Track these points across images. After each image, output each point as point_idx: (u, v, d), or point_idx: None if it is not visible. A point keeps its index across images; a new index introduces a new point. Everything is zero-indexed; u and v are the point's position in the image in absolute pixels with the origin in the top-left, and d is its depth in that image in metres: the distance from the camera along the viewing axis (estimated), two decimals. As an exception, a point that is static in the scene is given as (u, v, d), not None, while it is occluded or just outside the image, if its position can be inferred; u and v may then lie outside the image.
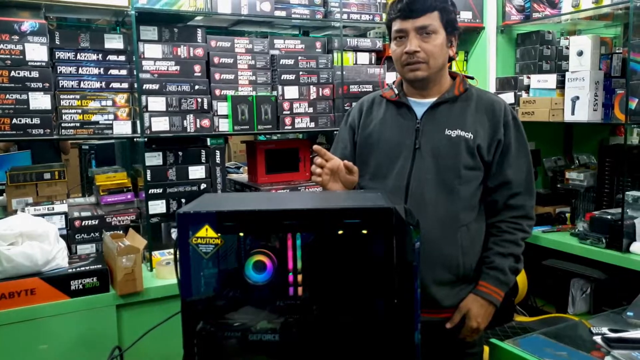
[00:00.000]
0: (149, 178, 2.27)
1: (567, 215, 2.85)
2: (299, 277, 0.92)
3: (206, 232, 0.91)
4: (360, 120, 1.64)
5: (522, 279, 2.42)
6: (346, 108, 2.57)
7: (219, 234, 0.91)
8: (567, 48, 2.84)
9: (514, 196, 1.54)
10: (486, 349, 1.99)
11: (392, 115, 1.58)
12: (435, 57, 1.49)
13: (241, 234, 0.92)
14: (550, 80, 2.72)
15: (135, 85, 2.18)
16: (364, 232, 0.90)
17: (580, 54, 2.57)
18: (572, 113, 2.59)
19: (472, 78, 1.65)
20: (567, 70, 2.64)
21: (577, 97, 2.56)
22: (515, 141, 1.55)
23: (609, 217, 2.39)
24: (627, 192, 2.35)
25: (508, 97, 2.90)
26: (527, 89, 2.85)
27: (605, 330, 1.36)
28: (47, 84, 2.07)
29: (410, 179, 1.51)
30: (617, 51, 2.77)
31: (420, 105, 1.55)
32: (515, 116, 1.58)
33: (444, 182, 1.50)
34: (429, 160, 1.51)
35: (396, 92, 1.59)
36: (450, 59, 1.57)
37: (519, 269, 1.56)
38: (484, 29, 2.95)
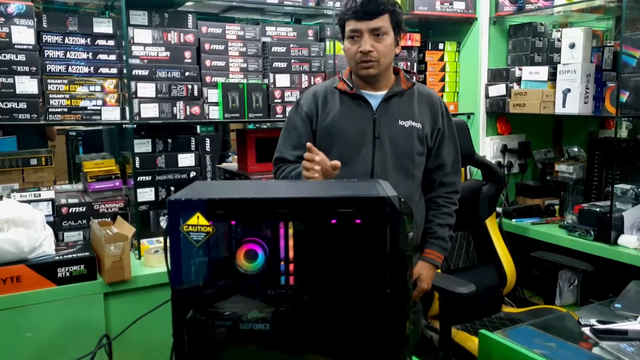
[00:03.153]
0: (137, 165, 2.24)
1: (556, 207, 2.87)
2: (291, 267, 0.91)
3: (197, 219, 0.89)
4: (317, 110, 1.74)
5: (510, 270, 2.44)
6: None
7: (211, 222, 0.89)
8: (559, 40, 2.85)
9: (447, 175, 1.82)
10: (475, 339, 2.01)
11: (349, 107, 1.72)
12: (385, 56, 1.65)
13: (232, 222, 0.90)
14: (542, 72, 2.72)
15: (125, 71, 2.15)
16: (357, 221, 0.89)
17: (572, 46, 2.57)
18: (563, 105, 2.60)
19: (413, 73, 1.79)
20: (559, 63, 2.65)
21: (569, 90, 2.57)
22: (448, 128, 1.80)
23: (597, 209, 2.40)
24: (615, 185, 2.36)
25: (499, 89, 2.90)
26: (518, 80, 2.86)
27: (593, 321, 1.37)
28: (34, 68, 2.03)
29: (374, 164, 1.69)
30: (608, 44, 2.78)
31: (373, 97, 1.71)
32: (447, 107, 1.84)
33: (402, 167, 1.71)
34: (388, 148, 1.69)
35: (350, 84, 1.71)
36: (396, 55, 1.73)
37: (453, 235, 1.90)
38: (477, 20, 2.95)
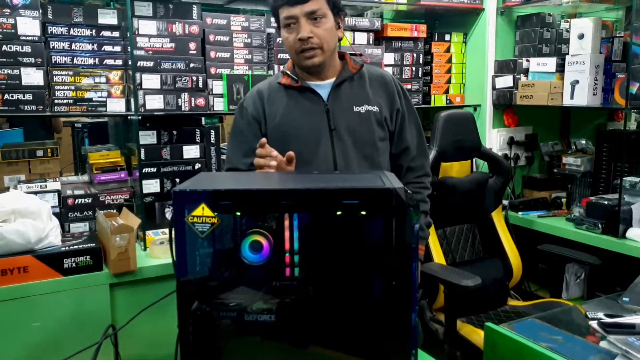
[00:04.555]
0: (142, 157, 2.24)
1: (563, 200, 2.85)
2: (296, 258, 0.91)
3: (202, 211, 0.89)
4: (264, 111, 1.60)
5: (516, 263, 2.43)
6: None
7: (216, 213, 0.89)
8: (568, 31, 2.81)
9: (413, 159, 1.69)
10: (480, 332, 2.01)
11: (297, 102, 1.58)
12: (328, 41, 1.52)
13: (238, 214, 0.90)
14: (550, 63, 2.70)
15: (130, 62, 2.14)
16: (363, 213, 0.89)
17: (581, 37, 2.54)
18: (571, 97, 2.57)
19: (360, 55, 1.67)
20: (567, 54, 2.62)
21: (577, 81, 2.54)
22: (408, 108, 1.67)
23: (605, 202, 2.39)
24: (624, 178, 2.34)
25: (507, 80, 2.88)
26: (526, 72, 2.83)
27: (600, 315, 1.36)
28: (40, 60, 2.03)
29: (336, 159, 1.56)
30: (618, 35, 2.75)
31: (321, 87, 1.59)
32: (401, 84, 1.69)
33: (365, 157, 1.58)
34: (346, 138, 1.57)
35: (295, 77, 1.59)
36: (339, 39, 1.60)
37: (430, 222, 1.75)
38: (484, 11, 2.91)
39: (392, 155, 1.68)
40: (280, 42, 2.44)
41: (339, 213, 0.89)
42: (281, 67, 1.67)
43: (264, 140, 1.38)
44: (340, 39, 1.60)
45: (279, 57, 2.44)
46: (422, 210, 1.70)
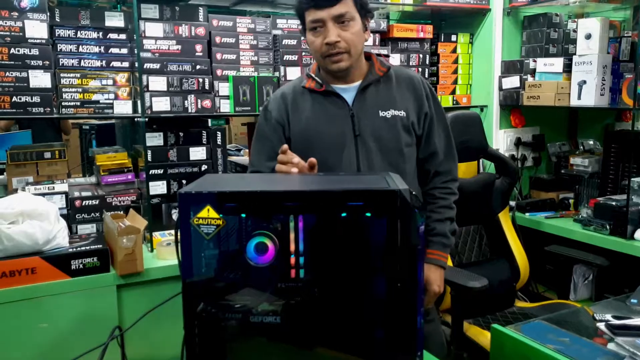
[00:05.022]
0: (149, 158, 2.25)
1: (571, 201, 2.83)
2: (301, 260, 0.91)
3: (207, 212, 0.89)
4: (288, 115, 1.57)
5: (523, 264, 2.42)
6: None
7: (221, 215, 0.89)
8: (575, 31, 2.80)
9: (441, 163, 1.64)
10: (487, 334, 2.00)
11: (321, 106, 1.55)
12: (355, 45, 1.47)
13: (243, 215, 0.90)
14: (557, 63, 2.68)
15: (136, 65, 2.15)
16: (368, 214, 0.89)
17: (588, 37, 2.53)
18: (579, 97, 2.56)
19: (387, 56, 1.64)
20: (574, 54, 2.61)
21: (584, 82, 2.53)
22: (436, 111, 1.62)
23: (613, 203, 2.37)
24: (632, 179, 2.32)
25: (513, 81, 2.86)
26: (533, 72, 2.82)
27: (608, 317, 1.35)
28: (47, 62, 2.04)
29: (360, 165, 1.52)
30: (626, 34, 2.73)
31: (346, 91, 1.54)
32: (431, 86, 1.64)
33: (391, 163, 1.53)
34: (371, 144, 1.52)
35: (320, 81, 1.55)
36: (365, 41, 1.56)
37: (456, 229, 1.68)
38: (490, 11, 2.91)
39: (419, 160, 1.63)
40: (285, 43, 2.44)
41: (343, 215, 0.89)
42: (307, 69, 1.62)
43: (285, 146, 1.34)
44: (366, 41, 1.56)
45: (284, 58, 2.44)
46: (447, 216, 1.64)
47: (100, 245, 1.96)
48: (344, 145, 1.52)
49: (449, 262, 2.27)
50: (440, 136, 1.63)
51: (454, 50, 2.99)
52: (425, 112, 1.59)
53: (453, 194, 1.67)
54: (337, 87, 1.54)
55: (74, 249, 1.91)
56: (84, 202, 2.20)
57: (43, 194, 2.08)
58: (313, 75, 1.57)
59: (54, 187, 2.16)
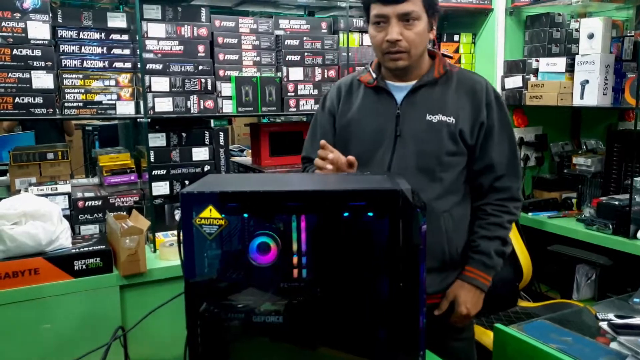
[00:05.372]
0: (152, 159, 2.25)
1: (574, 201, 2.82)
2: (304, 260, 0.91)
3: (210, 212, 0.89)
4: (339, 106, 1.57)
5: (526, 264, 2.41)
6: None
7: (223, 215, 0.89)
8: (577, 31, 2.79)
9: (499, 179, 1.51)
10: (490, 333, 1.99)
11: (371, 101, 1.53)
12: (417, 46, 1.43)
13: (245, 215, 0.90)
14: (560, 63, 2.68)
15: (139, 65, 2.15)
16: (370, 214, 0.89)
17: (591, 36, 2.52)
18: (581, 97, 2.55)
19: (450, 57, 1.60)
20: (577, 54, 2.60)
21: (587, 81, 2.52)
22: (498, 122, 1.50)
23: (616, 203, 2.36)
24: (635, 178, 2.32)
25: (516, 81, 2.86)
26: (535, 72, 2.81)
27: (611, 316, 1.35)
28: (50, 63, 2.05)
29: (391, 166, 1.48)
30: (628, 34, 2.72)
31: (399, 89, 1.50)
32: (498, 96, 1.53)
33: (426, 170, 1.46)
34: (410, 147, 1.47)
35: (374, 76, 1.53)
36: (431, 41, 1.53)
37: (506, 251, 1.53)
38: (493, 11, 2.90)
39: (474, 172, 1.52)
40: (288, 44, 2.44)
41: (346, 214, 0.89)
42: (367, 65, 1.60)
43: (323, 141, 1.37)
44: (431, 41, 1.52)
45: (287, 59, 2.44)
46: (495, 235, 1.50)
47: (103, 246, 1.96)
48: (381, 143, 1.49)
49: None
50: (501, 150, 1.50)
51: (457, 50, 2.98)
52: (482, 121, 1.48)
53: (509, 214, 1.52)
54: (392, 84, 1.51)
55: (77, 250, 1.92)
56: (86, 203, 2.20)
57: (46, 195, 2.09)
58: (370, 70, 1.55)
59: (56, 188, 2.16)
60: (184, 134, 2.34)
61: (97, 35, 2.14)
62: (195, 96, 2.27)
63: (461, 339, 1.61)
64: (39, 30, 2.02)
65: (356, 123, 1.53)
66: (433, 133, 1.46)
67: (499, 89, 2.94)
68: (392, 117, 1.49)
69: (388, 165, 1.48)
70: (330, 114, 1.60)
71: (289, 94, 2.45)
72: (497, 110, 1.50)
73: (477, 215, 1.53)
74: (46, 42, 2.04)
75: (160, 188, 2.29)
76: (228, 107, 2.36)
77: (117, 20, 2.16)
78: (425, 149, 1.46)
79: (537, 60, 2.81)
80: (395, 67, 1.45)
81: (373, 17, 1.43)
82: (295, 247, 0.90)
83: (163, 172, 2.30)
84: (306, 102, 2.48)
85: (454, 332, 1.57)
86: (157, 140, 2.29)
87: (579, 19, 2.96)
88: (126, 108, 2.18)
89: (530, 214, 2.76)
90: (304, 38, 2.48)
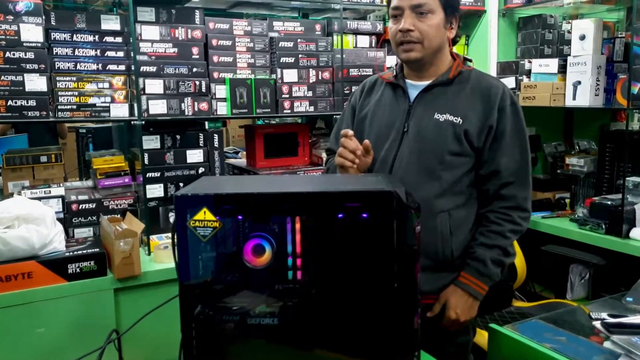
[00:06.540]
0: (146, 162, 2.25)
1: (567, 201, 2.84)
2: (298, 261, 0.91)
3: (204, 215, 0.89)
4: (359, 100, 1.66)
5: (520, 264, 2.42)
6: (346, 92, 2.54)
7: (217, 217, 0.89)
8: (569, 32, 2.81)
9: (505, 186, 1.48)
10: (485, 333, 2.00)
11: (387, 97, 1.58)
12: (429, 38, 1.45)
13: (239, 217, 0.90)
14: (552, 64, 2.69)
15: (133, 68, 2.15)
16: (364, 215, 0.89)
17: (582, 38, 2.54)
18: (574, 98, 2.57)
19: (470, 60, 1.60)
20: (569, 55, 2.62)
21: (579, 82, 2.54)
22: (511, 128, 1.48)
23: (609, 202, 2.38)
24: (627, 178, 2.34)
25: (509, 82, 2.87)
26: (528, 73, 2.83)
27: (604, 315, 1.36)
28: (43, 66, 2.04)
29: (395, 161, 1.51)
30: (619, 35, 2.74)
31: (415, 87, 1.54)
32: (515, 102, 1.51)
33: (426, 167, 1.47)
34: (414, 144, 1.49)
35: (394, 73, 1.59)
36: (454, 42, 1.55)
37: (505, 262, 1.51)
38: (486, 13, 2.92)
39: (480, 177, 1.51)
40: (282, 46, 2.45)
41: (340, 216, 0.89)
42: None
43: (345, 130, 1.43)
44: (454, 41, 1.54)
45: (281, 61, 2.44)
46: (494, 244, 1.47)
47: (97, 249, 1.96)
48: (389, 137, 1.53)
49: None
50: (511, 157, 1.48)
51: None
52: (491, 125, 1.47)
53: (512, 223, 1.48)
54: (409, 82, 1.56)
55: (71, 253, 1.91)
56: (80, 206, 2.19)
57: (39, 198, 2.08)
58: (394, 67, 1.61)
59: (50, 191, 2.15)
60: (178, 136, 2.34)
61: (90, 38, 2.14)
62: (189, 98, 2.27)
63: (454, 345, 1.59)
64: (32, 32, 2.01)
65: (370, 117, 1.59)
66: (438, 131, 1.47)
67: (492, 90, 2.95)
68: (403, 113, 1.53)
69: (392, 159, 1.52)
70: (352, 109, 1.68)
71: (283, 95, 2.45)
72: (511, 117, 1.49)
73: (480, 222, 1.52)
74: (39, 44, 2.03)
75: (155, 190, 2.29)
76: (222, 109, 2.36)
77: (110, 23, 2.16)
78: (428, 147, 1.48)
79: (530, 62, 2.83)
80: (407, 58, 1.48)
81: (390, 10, 1.49)
82: (289, 248, 0.90)
83: (157, 174, 2.30)
84: (300, 103, 2.49)
85: (448, 337, 1.56)
86: (151, 142, 2.29)
87: (570, 21, 2.98)
88: (120, 110, 2.18)
89: (524, 214, 2.76)
90: (298, 40, 2.48)
